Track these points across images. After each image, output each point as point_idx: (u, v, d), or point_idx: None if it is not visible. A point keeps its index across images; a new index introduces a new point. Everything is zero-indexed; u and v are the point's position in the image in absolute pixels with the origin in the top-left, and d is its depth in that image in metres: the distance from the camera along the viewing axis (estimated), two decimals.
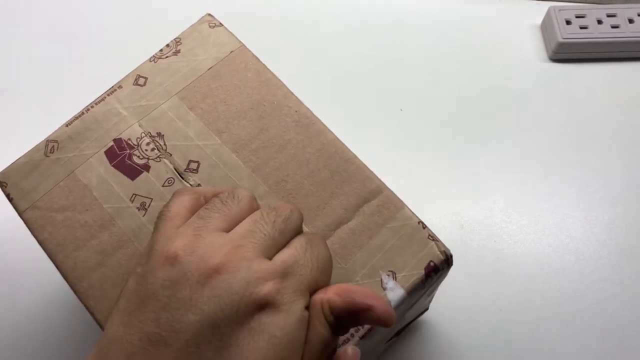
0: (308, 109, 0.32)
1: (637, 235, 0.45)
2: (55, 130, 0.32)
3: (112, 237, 0.29)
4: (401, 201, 0.31)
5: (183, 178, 0.30)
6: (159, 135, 0.31)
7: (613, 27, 0.52)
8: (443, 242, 0.30)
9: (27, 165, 0.31)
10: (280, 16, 0.56)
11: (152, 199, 0.30)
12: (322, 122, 0.32)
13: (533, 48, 0.54)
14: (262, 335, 0.21)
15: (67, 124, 0.32)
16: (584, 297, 0.42)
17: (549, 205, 0.46)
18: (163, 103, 0.32)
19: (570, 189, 0.47)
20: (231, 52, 0.33)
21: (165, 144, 0.31)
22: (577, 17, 0.52)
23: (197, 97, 0.32)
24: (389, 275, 0.28)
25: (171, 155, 0.31)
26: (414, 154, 0.48)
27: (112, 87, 0.33)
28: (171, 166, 0.31)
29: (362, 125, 0.49)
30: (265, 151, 0.31)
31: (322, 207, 0.29)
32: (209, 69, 0.33)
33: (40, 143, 0.32)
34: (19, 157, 0.32)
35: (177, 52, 0.34)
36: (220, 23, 0.34)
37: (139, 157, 0.31)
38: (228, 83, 0.32)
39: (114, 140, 0.31)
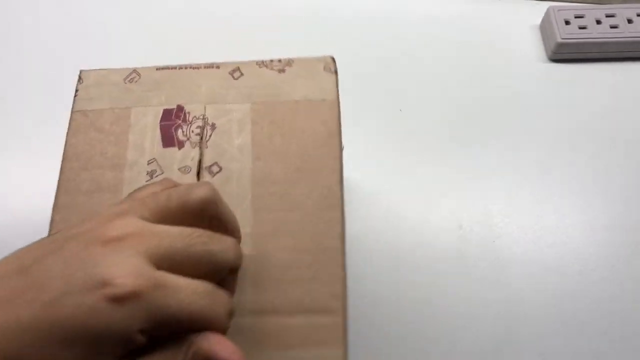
0: (341, 192, 0.30)
1: (637, 235, 0.45)
2: (147, 67, 0.33)
3: (110, 180, 0.31)
4: (343, 341, 0.27)
5: (198, 174, 0.31)
6: (212, 126, 0.32)
7: (612, 27, 0.52)
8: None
9: (105, 78, 0.33)
10: (280, 14, 0.56)
11: (162, 173, 0.31)
12: (342, 212, 0.30)
13: (532, 48, 0.54)
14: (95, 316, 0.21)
15: (159, 68, 0.33)
16: (583, 297, 0.42)
17: (549, 205, 0.46)
18: (236, 103, 0.32)
19: (570, 189, 0.47)
20: (323, 100, 0.32)
21: (209, 137, 0.31)
22: (576, 17, 0.52)
23: (265, 117, 0.32)
24: None
25: (207, 148, 0.31)
26: (413, 154, 0.48)
27: (214, 64, 0.34)
28: (198, 158, 0.31)
29: (362, 125, 0.49)
30: (277, 201, 0.30)
31: (282, 283, 0.28)
32: (294, 101, 0.32)
33: (128, 68, 0.34)
34: (106, 67, 0.34)
35: (281, 70, 0.33)
36: (336, 70, 0.34)
37: (183, 133, 0.31)
38: (298, 122, 0.32)
39: (178, 105, 0.32)
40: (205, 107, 0.32)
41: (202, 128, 0.32)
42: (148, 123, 0.32)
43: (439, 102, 0.51)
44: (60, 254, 0.22)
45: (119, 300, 0.21)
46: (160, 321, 0.22)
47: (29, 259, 0.23)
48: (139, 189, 0.27)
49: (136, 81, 0.33)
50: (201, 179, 0.30)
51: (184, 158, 0.31)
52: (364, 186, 0.46)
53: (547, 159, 0.48)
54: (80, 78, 0.34)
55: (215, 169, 0.31)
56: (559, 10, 0.53)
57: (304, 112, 0.32)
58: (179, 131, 0.31)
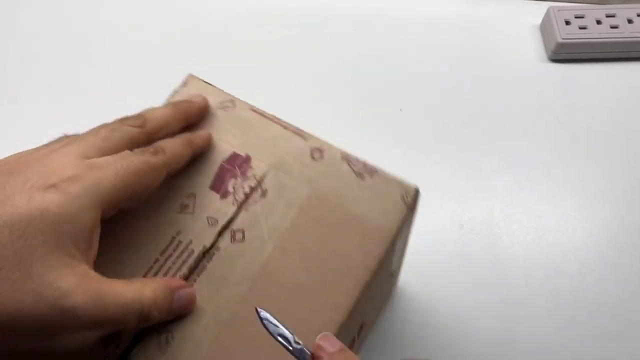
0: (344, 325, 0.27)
1: (637, 235, 0.45)
2: (245, 102, 0.33)
3: None
4: None
5: (220, 233, 0.29)
6: (263, 193, 0.30)
7: (612, 27, 0.52)
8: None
9: (205, 93, 0.33)
10: (281, 15, 0.56)
11: (193, 212, 0.29)
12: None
13: (532, 48, 0.54)
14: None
15: (254, 109, 0.33)
16: (584, 297, 0.42)
17: (549, 205, 0.46)
18: (299, 183, 0.30)
19: (570, 189, 0.47)
20: (379, 229, 0.29)
21: (254, 202, 0.29)
22: (576, 17, 0.52)
23: (314, 212, 0.29)
24: None
25: (245, 211, 0.29)
26: (413, 154, 0.48)
27: (303, 132, 0.32)
28: (230, 217, 0.29)
29: (362, 125, 0.49)
30: (273, 305, 0.26)
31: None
32: (352, 214, 0.29)
33: (228, 94, 0.33)
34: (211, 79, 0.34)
35: (360, 175, 0.31)
36: (413, 205, 0.31)
37: (234, 185, 0.30)
38: (340, 236, 0.29)
39: (247, 155, 0.31)
40: (268, 171, 0.30)
41: (253, 190, 0.30)
42: (213, 157, 0.31)
43: (439, 102, 0.51)
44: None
45: (64, 185, 0.23)
46: (108, 195, 0.25)
47: None
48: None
49: (228, 110, 0.32)
50: (220, 239, 0.29)
51: (219, 210, 0.29)
52: None
53: (548, 159, 0.48)
54: (185, 82, 0.33)
55: (239, 235, 0.29)
56: (559, 10, 0.53)
57: (353, 230, 0.29)
58: (232, 181, 0.30)
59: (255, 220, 0.29)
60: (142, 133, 0.28)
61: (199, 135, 0.31)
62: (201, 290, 0.27)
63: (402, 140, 0.49)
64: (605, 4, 0.54)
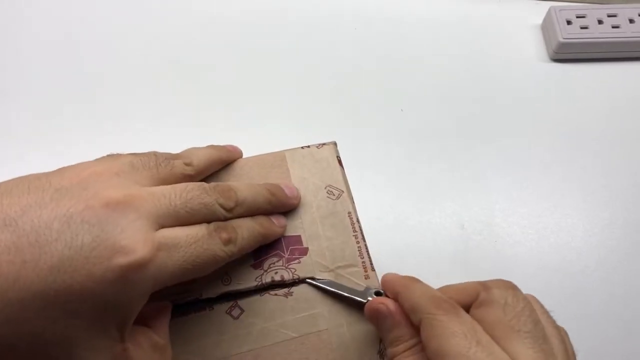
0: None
1: (637, 235, 0.45)
2: (348, 202, 0.31)
3: None
4: None
5: (229, 299, 0.29)
6: (288, 292, 0.29)
7: (614, 27, 0.52)
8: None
9: (309, 156, 0.32)
10: (281, 15, 0.56)
11: (229, 282, 0.29)
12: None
13: (534, 48, 0.54)
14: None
15: (349, 214, 0.31)
16: (584, 297, 0.42)
17: (549, 205, 0.46)
18: (325, 307, 0.29)
19: (570, 189, 0.47)
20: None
21: (279, 292, 0.29)
22: (577, 17, 0.52)
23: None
24: None
25: (264, 295, 0.29)
26: (414, 154, 0.48)
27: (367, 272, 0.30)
28: (245, 287, 0.29)
29: (362, 125, 0.50)
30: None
31: None
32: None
33: (343, 184, 0.32)
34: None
35: None
36: None
37: (272, 264, 0.29)
38: None
39: (308, 248, 0.30)
40: (309, 278, 0.29)
41: (283, 284, 0.29)
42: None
43: (440, 102, 0.51)
44: (56, 209, 0.21)
45: (128, 269, 0.21)
46: (163, 282, 0.23)
47: (13, 208, 0.21)
48: (117, 155, 0.26)
49: (330, 199, 0.31)
50: (220, 306, 0.28)
51: (245, 279, 0.29)
52: (365, 186, 0.46)
53: (549, 159, 0.48)
54: (322, 146, 0.32)
55: (236, 311, 0.28)
56: (560, 10, 0.53)
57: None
58: (272, 260, 0.29)
59: (266, 309, 0.28)
60: (222, 211, 0.26)
61: (275, 231, 0.29)
62: None
63: (402, 140, 0.49)
64: (606, 4, 0.53)
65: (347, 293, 0.28)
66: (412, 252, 0.44)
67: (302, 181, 0.31)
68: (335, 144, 0.33)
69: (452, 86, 0.52)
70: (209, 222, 0.25)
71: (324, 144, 0.33)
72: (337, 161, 0.32)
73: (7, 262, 0.20)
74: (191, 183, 0.26)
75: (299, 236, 0.30)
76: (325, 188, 0.31)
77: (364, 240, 0.30)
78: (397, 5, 0.57)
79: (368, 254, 0.30)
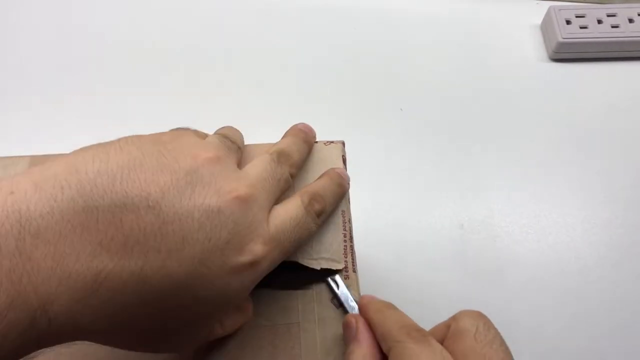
0: None
1: (637, 235, 0.45)
2: None
3: None
4: None
5: None
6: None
7: (613, 26, 0.52)
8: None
9: None
10: (281, 14, 0.56)
11: None
12: None
13: (533, 48, 0.54)
14: (239, 278, 0.22)
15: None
16: (584, 297, 0.42)
17: (549, 205, 0.46)
18: None
19: (570, 189, 0.47)
20: None
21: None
22: (577, 16, 0.52)
23: None
24: None
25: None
26: (414, 153, 0.48)
27: None
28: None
29: (362, 125, 0.50)
30: None
31: None
32: None
33: None
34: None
35: None
36: None
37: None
38: None
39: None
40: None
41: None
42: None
43: (439, 101, 0.51)
44: (193, 197, 0.21)
45: (251, 264, 0.23)
46: (269, 270, 0.25)
47: (152, 187, 0.21)
48: (202, 133, 0.27)
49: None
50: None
51: None
52: (365, 186, 0.46)
53: (548, 159, 0.48)
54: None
55: None
56: (560, 9, 0.53)
57: None
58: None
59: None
60: (290, 178, 0.28)
61: (346, 186, 0.30)
62: None
63: (402, 140, 0.49)
64: (606, 4, 0.54)
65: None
66: (412, 251, 0.44)
67: (304, 173, 0.32)
68: (343, 143, 0.33)
69: (451, 86, 0.52)
70: (283, 190, 0.27)
71: (332, 141, 0.33)
72: (342, 160, 0.32)
73: (153, 250, 0.20)
74: (260, 159, 0.27)
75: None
76: None
77: (352, 241, 0.30)
78: (396, 5, 0.57)
79: (353, 255, 0.30)
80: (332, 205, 0.29)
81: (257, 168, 0.26)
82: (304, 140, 0.30)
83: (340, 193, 0.30)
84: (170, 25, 0.55)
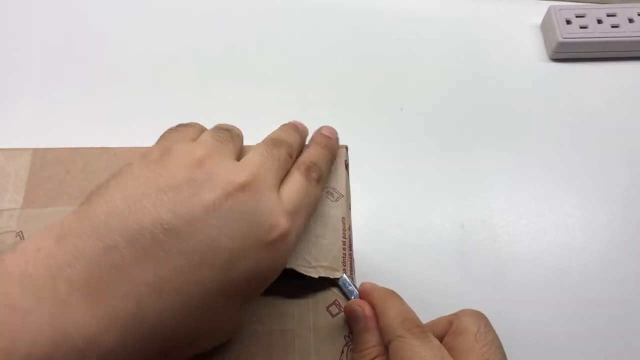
0: None
1: (637, 235, 0.45)
2: None
3: None
4: None
5: None
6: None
7: (613, 26, 0.52)
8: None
9: None
10: (281, 14, 0.56)
11: None
12: None
13: (533, 48, 0.54)
14: (274, 255, 0.23)
15: None
16: (584, 297, 0.42)
17: (549, 205, 0.46)
18: None
19: (571, 188, 0.47)
20: None
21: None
22: (577, 16, 0.52)
23: None
24: None
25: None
26: (414, 153, 0.48)
27: None
28: None
29: (362, 125, 0.49)
30: None
31: None
32: None
33: None
34: None
35: None
36: None
37: None
38: None
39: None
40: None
41: None
42: None
43: (439, 101, 0.51)
44: (202, 203, 0.22)
45: (278, 241, 0.23)
46: (295, 244, 0.25)
47: (167, 214, 0.21)
48: (191, 130, 0.27)
49: (333, 200, 0.32)
50: None
51: None
52: (364, 185, 0.46)
53: (548, 159, 0.48)
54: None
55: None
56: (560, 9, 0.53)
57: None
58: None
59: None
60: (289, 159, 0.28)
61: (335, 145, 0.31)
62: None
63: (402, 140, 0.49)
64: (606, 3, 0.53)
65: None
66: (412, 251, 0.44)
67: None
68: (346, 148, 0.33)
69: (451, 86, 0.52)
70: (285, 169, 0.27)
71: None
72: (344, 165, 0.32)
73: (189, 267, 0.21)
74: (254, 147, 0.27)
75: None
76: (327, 189, 0.31)
77: (351, 250, 0.30)
78: (396, 4, 0.57)
79: (351, 263, 0.30)
80: (327, 169, 0.30)
81: (253, 154, 0.26)
82: (294, 129, 0.31)
83: (330, 155, 0.31)
84: (171, 25, 0.55)
